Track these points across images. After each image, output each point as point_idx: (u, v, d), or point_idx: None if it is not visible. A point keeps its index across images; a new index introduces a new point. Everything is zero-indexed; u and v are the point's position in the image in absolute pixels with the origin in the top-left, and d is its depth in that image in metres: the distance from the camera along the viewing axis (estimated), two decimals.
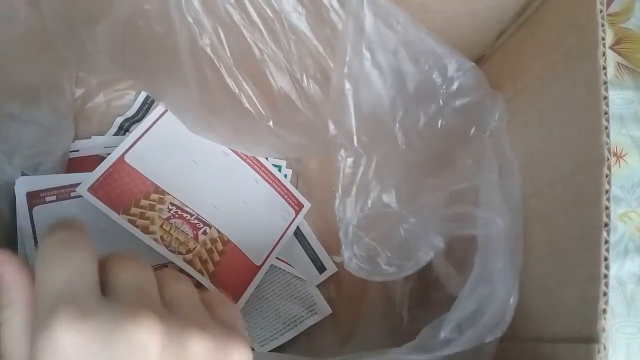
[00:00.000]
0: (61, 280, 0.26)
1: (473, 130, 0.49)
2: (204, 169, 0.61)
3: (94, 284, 0.27)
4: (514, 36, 0.53)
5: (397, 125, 0.49)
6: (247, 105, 0.52)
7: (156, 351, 0.26)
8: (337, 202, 0.49)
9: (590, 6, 0.38)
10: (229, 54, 0.48)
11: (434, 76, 0.48)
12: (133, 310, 0.26)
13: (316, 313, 0.62)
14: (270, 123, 0.53)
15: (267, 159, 0.66)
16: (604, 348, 0.32)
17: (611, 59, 0.72)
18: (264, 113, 0.52)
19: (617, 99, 0.70)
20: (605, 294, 0.32)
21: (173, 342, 0.27)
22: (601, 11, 0.36)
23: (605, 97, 0.34)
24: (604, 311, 0.32)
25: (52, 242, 0.28)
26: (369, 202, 0.50)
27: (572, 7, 0.42)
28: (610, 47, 0.72)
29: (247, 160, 0.64)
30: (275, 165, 0.66)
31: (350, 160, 0.48)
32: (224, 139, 0.62)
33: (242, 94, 0.50)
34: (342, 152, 0.48)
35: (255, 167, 0.64)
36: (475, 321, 0.40)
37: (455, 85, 0.48)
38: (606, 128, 0.34)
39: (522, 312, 0.41)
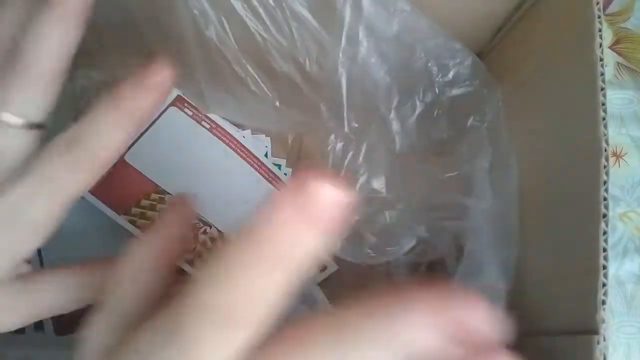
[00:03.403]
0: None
1: (471, 120, 0.49)
2: (204, 168, 0.61)
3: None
4: (511, 32, 0.53)
5: (393, 112, 0.49)
6: (253, 88, 0.52)
7: None
8: None
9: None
10: (234, 42, 0.49)
11: (430, 63, 0.48)
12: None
13: (317, 312, 0.62)
14: (277, 104, 0.53)
15: (267, 157, 0.66)
16: (604, 339, 0.32)
17: (611, 59, 0.72)
18: (270, 95, 0.53)
19: (617, 99, 0.70)
20: (604, 285, 0.32)
21: None
22: (597, 3, 0.37)
23: (603, 89, 0.35)
24: (603, 302, 0.32)
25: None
26: (357, 187, 0.50)
27: (567, 0, 0.42)
28: (610, 47, 0.72)
29: (248, 159, 0.64)
30: (275, 164, 0.66)
31: (340, 145, 0.48)
32: (238, 117, 0.62)
33: (248, 79, 0.51)
34: (332, 137, 0.48)
35: (256, 166, 0.64)
36: None
37: (451, 73, 0.49)
38: (604, 119, 0.34)
39: (520, 306, 0.41)
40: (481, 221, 0.43)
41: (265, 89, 0.52)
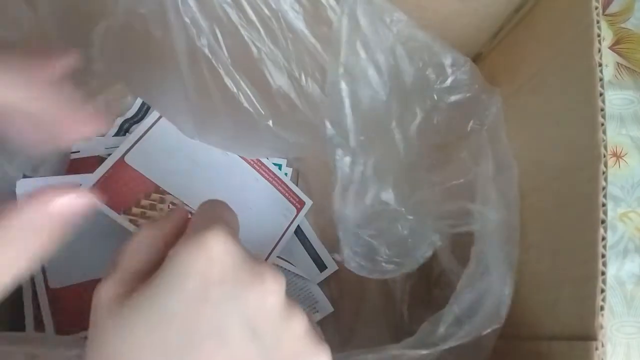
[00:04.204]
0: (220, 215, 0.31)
1: (471, 124, 0.49)
2: (204, 168, 0.61)
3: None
4: (510, 34, 0.53)
5: (394, 122, 0.49)
6: (245, 104, 0.51)
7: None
8: (335, 201, 0.49)
9: (584, 3, 0.38)
10: (226, 54, 0.48)
11: (427, 72, 0.48)
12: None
13: (318, 311, 0.62)
14: (270, 122, 0.53)
15: (267, 157, 0.66)
16: (602, 345, 0.32)
17: (611, 59, 0.72)
18: (263, 112, 0.52)
19: (617, 99, 0.70)
20: (602, 291, 0.32)
21: None
22: (596, 8, 0.36)
23: (602, 94, 0.35)
24: (602, 308, 0.32)
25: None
26: (367, 200, 0.50)
27: (567, 4, 0.42)
28: (610, 47, 0.72)
29: (248, 159, 0.64)
30: (275, 164, 0.66)
31: (347, 159, 0.48)
32: (222, 142, 0.62)
33: (240, 94, 0.50)
34: (339, 152, 0.48)
35: (256, 166, 0.64)
36: (473, 314, 0.40)
37: (449, 81, 0.49)
38: (602, 125, 0.34)
39: (519, 310, 0.41)
40: (487, 225, 0.43)
41: (259, 107, 0.51)
